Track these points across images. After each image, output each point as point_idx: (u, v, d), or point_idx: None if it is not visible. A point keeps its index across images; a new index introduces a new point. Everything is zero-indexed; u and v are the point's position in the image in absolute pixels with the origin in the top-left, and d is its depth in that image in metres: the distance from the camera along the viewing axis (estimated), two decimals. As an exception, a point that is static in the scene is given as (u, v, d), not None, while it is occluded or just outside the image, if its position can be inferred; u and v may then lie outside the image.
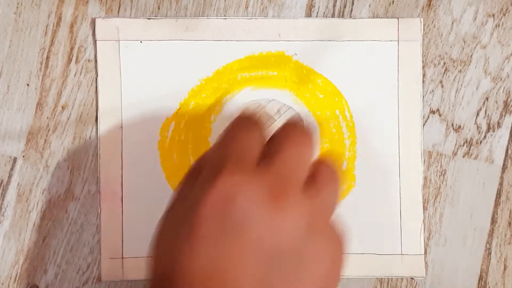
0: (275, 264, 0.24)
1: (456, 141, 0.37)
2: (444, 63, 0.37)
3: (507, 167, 0.37)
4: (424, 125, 0.36)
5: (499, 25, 0.37)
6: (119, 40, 0.36)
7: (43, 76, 0.36)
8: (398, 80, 0.36)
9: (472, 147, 0.37)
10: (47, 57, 0.36)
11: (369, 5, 0.36)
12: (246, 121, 0.27)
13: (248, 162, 0.25)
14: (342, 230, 0.26)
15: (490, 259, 0.36)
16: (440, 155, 0.36)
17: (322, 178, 0.26)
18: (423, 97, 0.36)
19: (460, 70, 0.37)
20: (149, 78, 0.36)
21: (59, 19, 0.36)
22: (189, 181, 0.27)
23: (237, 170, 0.24)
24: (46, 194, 0.35)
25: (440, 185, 0.36)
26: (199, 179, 0.25)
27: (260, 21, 0.36)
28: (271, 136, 0.27)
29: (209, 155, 0.27)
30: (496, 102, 0.37)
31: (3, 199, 0.35)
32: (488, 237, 0.36)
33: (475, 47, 0.37)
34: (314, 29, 0.36)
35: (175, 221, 0.25)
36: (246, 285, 0.23)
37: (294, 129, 0.27)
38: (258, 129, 0.27)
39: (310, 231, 0.24)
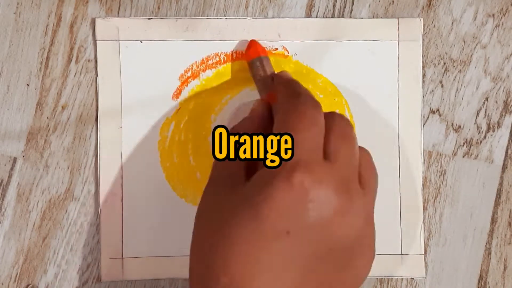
0: (329, 258, 0.25)
1: (456, 141, 0.37)
2: (444, 63, 0.37)
3: (507, 167, 0.37)
4: (424, 125, 0.36)
5: (499, 25, 0.37)
6: (119, 40, 0.36)
7: (43, 76, 0.36)
8: (398, 80, 0.36)
9: (472, 147, 0.37)
10: (47, 57, 0.36)
11: (369, 5, 0.36)
12: (312, 103, 0.27)
13: (318, 159, 0.25)
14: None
15: (490, 259, 0.36)
16: (440, 155, 0.36)
17: (369, 170, 0.28)
18: (423, 97, 0.36)
19: (460, 70, 0.37)
20: (149, 78, 0.36)
21: (59, 19, 0.36)
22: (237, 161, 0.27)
23: (310, 169, 0.24)
24: (46, 194, 0.35)
25: (440, 185, 0.36)
26: (268, 171, 0.25)
27: (260, 21, 0.36)
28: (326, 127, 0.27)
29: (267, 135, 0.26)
30: (496, 102, 0.37)
31: (3, 199, 0.35)
32: (488, 237, 0.36)
33: (475, 47, 0.37)
34: (314, 29, 0.36)
35: (232, 207, 0.25)
36: (302, 283, 0.24)
37: (343, 120, 0.27)
38: (323, 117, 0.27)
39: (366, 222, 0.26)
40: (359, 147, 0.28)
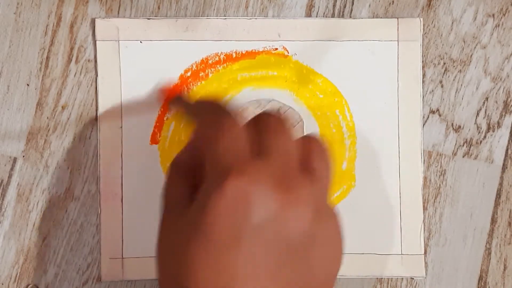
0: (289, 255, 0.24)
1: (456, 141, 0.37)
2: (444, 63, 0.37)
3: (507, 167, 0.37)
4: (424, 125, 0.36)
5: (499, 25, 0.37)
6: (119, 40, 0.36)
7: (43, 76, 0.36)
8: (398, 80, 0.36)
9: (472, 147, 0.37)
10: (47, 57, 0.36)
11: (369, 5, 0.36)
12: (227, 113, 0.27)
13: (248, 159, 0.24)
14: (335, 210, 0.27)
15: (490, 259, 0.36)
16: (440, 155, 0.36)
17: (315, 157, 0.26)
18: (423, 97, 0.36)
19: (460, 70, 0.37)
20: (149, 78, 0.36)
21: (59, 19, 0.36)
22: (182, 183, 0.27)
23: (242, 171, 0.23)
24: (46, 194, 0.35)
25: (440, 185, 0.36)
26: (201, 184, 0.25)
27: (260, 21, 0.36)
28: (250, 127, 0.26)
29: (204, 153, 0.26)
30: (496, 102, 0.37)
31: (3, 199, 0.35)
32: (488, 237, 0.36)
33: (475, 47, 0.37)
34: (314, 29, 0.36)
35: (181, 230, 0.25)
36: (262, 282, 0.23)
37: (270, 117, 0.27)
38: (236, 119, 0.26)
39: (317, 213, 0.24)
40: (306, 135, 0.27)
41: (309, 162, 0.26)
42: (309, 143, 0.27)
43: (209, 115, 0.27)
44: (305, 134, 0.27)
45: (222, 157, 0.24)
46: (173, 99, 0.34)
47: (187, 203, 0.26)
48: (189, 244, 0.24)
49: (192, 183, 0.27)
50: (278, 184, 0.24)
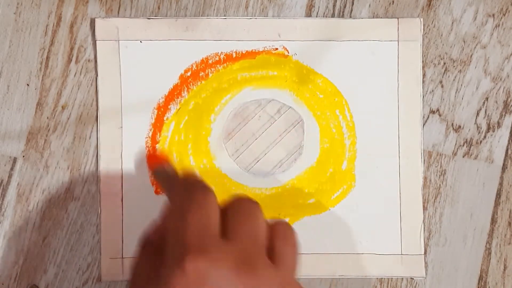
0: None
1: (456, 141, 0.37)
2: (444, 63, 0.37)
3: (507, 167, 0.37)
4: (424, 125, 0.36)
5: (499, 25, 0.37)
6: (119, 40, 0.36)
7: (43, 76, 0.36)
8: (398, 80, 0.36)
9: (472, 147, 0.37)
10: (47, 57, 0.36)
11: (369, 5, 0.36)
12: (200, 190, 0.27)
13: (211, 239, 0.24)
14: None
15: (490, 259, 0.36)
16: (440, 155, 0.36)
17: (281, 242, 0.26)
18: (423, 97, 0.36)
19: (460, 70, 0.37)
20: (149, 78, 0.36)
21: (59, 19, 0.36)
22: (148, 262, 0.27)
23: (202, 250, 0.23)
24: (46, 194, 0.35)
25: (440, 185, 0.36)
26: (164, 262, 0.24)
27: (260, 21, 0.36)
28: (225, 209, 0.26)
29: (169, 230, 0.26)
30: (496, 102, 0.37)
31: (3, 199, 0.35)
32: (488, 237, 0.36)
33: (475, 47, 0.37)
34: (314, 29, 0.36)
35: None
36: None
37: (244, 202, 0.27)
38: (214, 198, 0.26)
39: None
40: (276, 221, 0.27)
41: (275, 246, 0.26)
42: (277, 228, 0.27)
43: (185, 191, 0.27)
44: (273, 219, 0.28)
45: (187, 234, 0.24)
46: (156, 168, 0.34)
47: (152, 282, 0.25)
48: None
49: (159, 261, 0.26)
50: (240, 266, 0.23)
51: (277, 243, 0.26)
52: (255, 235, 0.25)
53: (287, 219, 0.27)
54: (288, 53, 0.36)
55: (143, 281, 0.26)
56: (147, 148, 0.36)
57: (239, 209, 0.26)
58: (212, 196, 0.26)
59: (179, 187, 0.28)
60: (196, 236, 0.24)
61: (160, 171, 0.33)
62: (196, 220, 0.25)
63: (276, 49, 0.36)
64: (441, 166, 0.36)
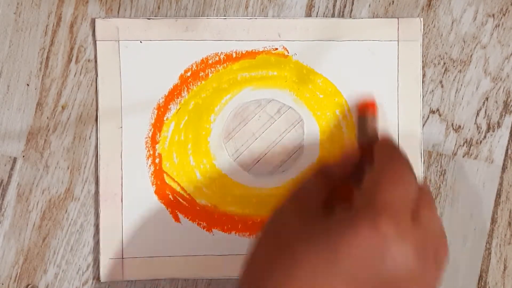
0: None
1: (456, 141, 0.37)
2: (444, 63, 0.37)
3: (507, 167, 0.37)
4: (424, 125, 0.36)
5: (499, 25, 0.37)
6: (119, 40, 0.36)
7: (43, 76, 0.36)
8: (398, 80, 0.36)
9: (472, 147, 0.36)
10: (47, 57, 0.36)
11: (369, 5, 0.36)
12: (410, 169, 0.28)
13: (406, 214, 0.25)
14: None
15: (490, 259, 0.36)
16: (440, 155, 0.36)
17: (443, 249, 0.27)
18: (423, 97, 0.36)
19: (460, 70, 0.37)
20: (149, 78, 0.36)
21: (59, 19, 0.36)
22: (318, 193, 0.28)
23: (397, 219, 0.24)
24: (46, 194, 0.35)
25: (440, 185, 0.36)
26: (346, 207, 0.25)
27: (260, 21, 0.36)
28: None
29: (358, 179, 0.27)
30: (496, 102, 0.37)
31: (3, 199, 0.35)
32: (488, 237, 0.36)
33: (475, 47, 0.37)
34: (314, 29, 0.36)
35: (304, 241, 0.25)
36: None
37: (430, 194, 0.28)
38: (416, 183, 0.27)
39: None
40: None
41: (440, 250, 0.27)
42: (442, 236, 0.28)
43: (396, 161, 0.28)
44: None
45: (390, 200, 0.25)
46: (363, 115, 0.35)
47: (318, 209, 0.27)
48: (311, 251, 0.24)
49: (328, 193, 0.28)
50: (418, 253, 0.24)
51: (440, 249, 0.27)
52: (432, 227, 0.26)
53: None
54: (288, 53, 0.36)
55: (308, 201, 0.28)
56: (147, 148, 0.36)
57: (429, 202, 0.27)
58: (416, 183, 0.27)
59: (384, 150, 0.29)
60: (395, 208, 0.25)
61: (364, 120, 0.34)
62: (399, 196, 0.26)
63: (276, 49, 0.36)
64: (441, 166, 0.36)
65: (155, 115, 0.36)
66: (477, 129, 0.37)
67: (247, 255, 0.27)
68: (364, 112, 0.35)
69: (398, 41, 0.36)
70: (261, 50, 0.36)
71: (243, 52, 0.36)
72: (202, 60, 0.36)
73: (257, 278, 0.25)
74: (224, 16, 0.36)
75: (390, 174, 0.27)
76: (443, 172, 0.36)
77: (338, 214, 0.26)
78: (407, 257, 0.24)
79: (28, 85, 0.36)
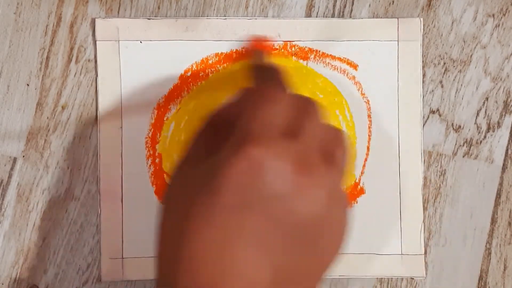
0: (298, 237, 0.24)
1: (456, 141, 0.37)
2: (444, 63, 0.37)
3: (507, 167, 0.37)
4: (424, 125, 0.36)
5: (499, 25, 0.37)
6: (119, 40, 0.36)
7: (43, 76, 0.36)
8: (398, 80, 0.36)
9: (472, 147, 0.37)
10: (47, 57, 0.36)
11: (369, 5, 0.36)
12: (276, 84, 0.27)
13: (274, 133, 0.25)
14: (345, 193, 0.27)
15: (490, 259, 0.36)
16: (440, 155, 0.36)
17: (336, 145, 0.27)
18: (423, 97, 0.36)
19: (460, 70, 0.37)
20: (149, 78, 0.36)
21: (59, 19, 0.36)
22: (205, 141, 0.27)
23: (262, 142, 0.24)
24: (46, 194, 0.35)
25: (440, 185, 0.36)
26: (223, 145, 0.25)
27: (260, 21, 0.36)
28: (291, 105, 0.27)
29: (233, 117, 0.26)
30: (496, 102, 0.37)
31: (3, 199, 0.35)
32: (488, 237, 0.36)
33: (475, 47, 0.37)
34: (314, 29, 0.36)
35: (192, 185, 0.25)
36: (267, 258, 0.23)
37: (309, 102, 0.27)
38: (287, 98, 0.27)
39: (330, 199, 0.25)
40: (332, 126, 0.28)
41: (331, 149, 0.26)
42: (333, 132, 0.27)
43: (264, 81, 0.28)
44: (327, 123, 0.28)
45: (253, 125, 0.25)
46: (255, 52, 0.35)
47: (205, 157, 0.26)
48: (195, 202, 0.24)
49: (220, 140, 0.27)
50: (297, 165, 0.24)
51: (332, 146, 0.26)
52: (315, 136, 0.26)
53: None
54: (288, 53, 0.36)
55: (197, 153, 0.27)
56: (147, 148, 0.36)
57: (303, 109, 0.27)
58: (285, 96, 0.27)
59: (262, 76, 0.29)
60: (260, 129, 0.25)
61: (256, 55, 0.34)
62: (262, 115, 0.25)
63: (276, 49, 0.36)
64: (441, 166, 0.36)
65: (155, 115, 0.36)
66: (477, 129, 0.37)
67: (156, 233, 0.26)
68: (253, 52, 0.35)
69: (398, 41, 0.36)
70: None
71: (243, 52, 0.36)
72: (202, 60, 0.36)
73: (169, 248, 0.25)
74: (224, 16, 0.36)
75: (255, 94, 0.27)
76: (443, 172, 0.36)
77: (216, 155, 0.25)
78: (284, 171, 0.24)
79: (28, 85, 0.36)
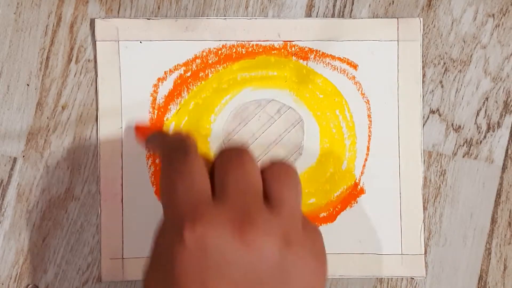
0: None
1: (456, 141, 0.37)
2: (444, 63, 0.37)
3: (507, 167, 0.37)
4: (424, 125, 0.36)
5: (499, 25, 0.37)
6: (118, 41, 0.36)
7: (43, 76, 0.36)
8: (398, 80, 0.36)
9: (472, 147, 0.37)
10: (47, 57, 0.36)
11: (369, 5, 0.36)
12: (181, 154, 0.26)
13: (202, 203, 0.24)
14: (315, 227, 0.26)
15: (490, 259, 0.36)
16: (440, 155, 0.36)
17: (279, 185, 0.25)
18: (423, 97, 0.36)
19: (460, 70, 0.37)
20: (149, 78, 0.36)
21: (59, 19, 0.36)
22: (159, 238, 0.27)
23: (196, 218, 0.23)
24: (46, 194, 0.35)
25: (440, 185, 0.36)
26: (165, 237, 0.24)
27: (260, 21, 0.36)
28: (214, 165, 0.26)
29: (162, 200, 0.25)
30: (496, 102, 0.37)
31: (3, 199, 0.35)
32: (488, 237, 0.36)
33: (475, 47, 0.37)
34: (314, 29, 0.36)
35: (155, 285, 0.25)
36: None
37: (230, 152, 0.26)
38: (196, 159, 0.25)
39: (286, 243, 0.24)
40: (271, 162, 0.26)
41: (272, 191, 0.25)
42: (272, 170, 0.26)
43: (173, 153, 0.26)
44: (272, 159, 0.27)
45: (178, 203, 0.24)
46: (149, 136, 0.32)
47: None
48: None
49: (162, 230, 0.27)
50: (236, 224, 0.23)
51: (273, 187, 0.25)
52: (247, 186, 0.24)
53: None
54: (288, 53, 0.36)
55: (156, 257, 0.26)
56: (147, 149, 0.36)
57: (225, 162, 0.25)
58: (193, 157, 0.25)
59: (169, 149, 0.27)
60: (187, 203, 0.24)
61: (154, 138, 0.32)
62: (184, 187, 0.24)
63: (276, 49, 0.36)
64: (441, 166, 0.36)
65: (155, 115, 0.36)
66: (477, 129, 0.37)
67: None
68: (145, 133, 0.34)
69: (398, 41, 0.36)
70: (261, 50, 0.36)
71: (243, 52, 0.36)
72: (202, 60, 0.36)
73: None
74: (224, 16, 0.36)
75: (172, 171, 0.25)
76: (443, 172, 0.36)
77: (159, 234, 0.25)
78: (225, 235, 0.23)
79: (28, 85, 0.36)
